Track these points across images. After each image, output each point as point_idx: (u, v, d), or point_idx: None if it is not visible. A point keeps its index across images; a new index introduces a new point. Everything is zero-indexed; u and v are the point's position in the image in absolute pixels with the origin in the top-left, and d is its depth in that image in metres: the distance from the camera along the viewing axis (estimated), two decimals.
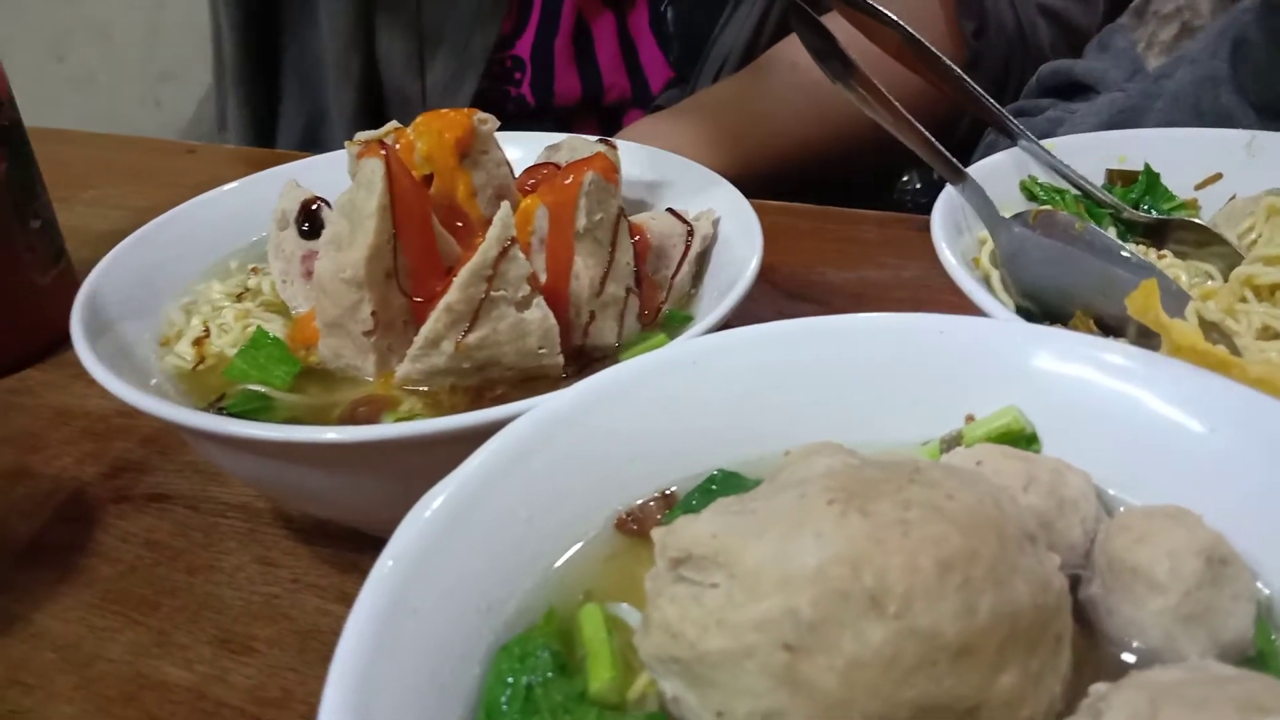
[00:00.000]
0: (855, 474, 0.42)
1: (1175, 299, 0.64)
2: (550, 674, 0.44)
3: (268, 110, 1.70)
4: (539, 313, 0.65)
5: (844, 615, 0.37)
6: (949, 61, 0.91)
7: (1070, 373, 0.55)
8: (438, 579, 0.44)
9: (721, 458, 0.55)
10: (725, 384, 0.58)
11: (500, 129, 0.79)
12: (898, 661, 0.36)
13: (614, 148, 0.78)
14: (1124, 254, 0.68)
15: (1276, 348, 0.62)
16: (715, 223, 0.80)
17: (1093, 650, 0.46)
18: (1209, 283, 0.69)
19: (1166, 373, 0.53)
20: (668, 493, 0.54)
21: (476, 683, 0.44)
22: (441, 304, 0.65)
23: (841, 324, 0.60)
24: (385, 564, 0.44)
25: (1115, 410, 0.54)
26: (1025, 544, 0.40)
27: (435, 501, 0.46)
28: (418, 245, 0.68)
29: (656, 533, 0.43)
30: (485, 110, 0.79)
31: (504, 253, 0.64)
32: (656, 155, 0.89)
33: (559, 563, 0.50)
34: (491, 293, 0.65)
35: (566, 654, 0.45)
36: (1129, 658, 0.45)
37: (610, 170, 0.70)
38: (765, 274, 1.12)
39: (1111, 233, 0.80)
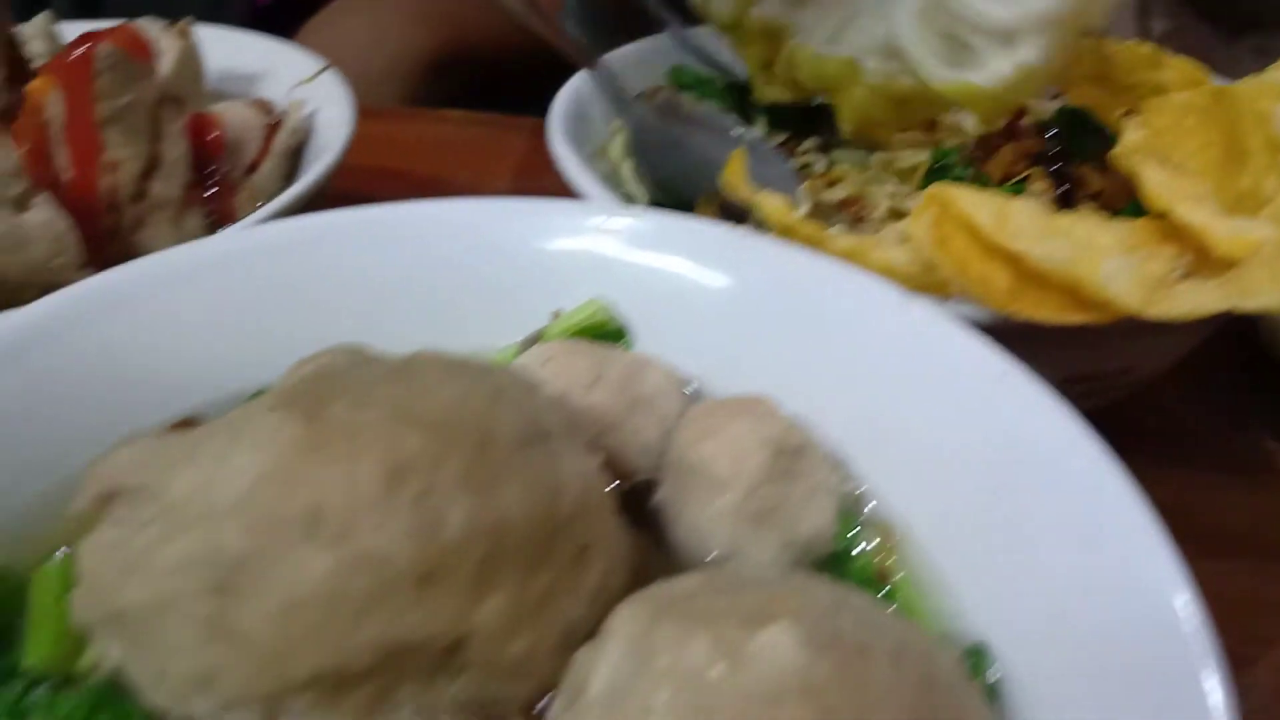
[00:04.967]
0: (334, 377, 0.34)
1: (787, 179, 0.59)
2: None
3: None
4: (43, 214, 0.53)
5: (277, 546, 0.29)
6: None
7: (662, 264, 0.50)
8: None
9: (267, 373, 0.47)
10: (278, 285, 0.49)
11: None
12: (345, 597, 0.29)
13: (185, 33, 0.65)
14: (734, 133, 0.63)
15: (898, 229, 0.58)
16: (310, 115, 0.68)
17: (666, 561, 0.41)
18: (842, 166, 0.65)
19: (758, 259, 0.48)
20: (189, 420, 0.45)
21: None
22: None
23: (424, 213, 0.53)
24: None
25: (708, 300, 0.48)
26: (530, 446, 0.33)
27: None
28: None
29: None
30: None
31: None
32: (254, 41, 0.76)
33: (26, 513, 0.40)
34: None
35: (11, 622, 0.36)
36: None
37: (137, 44, 0.58)
38: (433, 188, 1.03)
39: (762, 120, 0.75)
